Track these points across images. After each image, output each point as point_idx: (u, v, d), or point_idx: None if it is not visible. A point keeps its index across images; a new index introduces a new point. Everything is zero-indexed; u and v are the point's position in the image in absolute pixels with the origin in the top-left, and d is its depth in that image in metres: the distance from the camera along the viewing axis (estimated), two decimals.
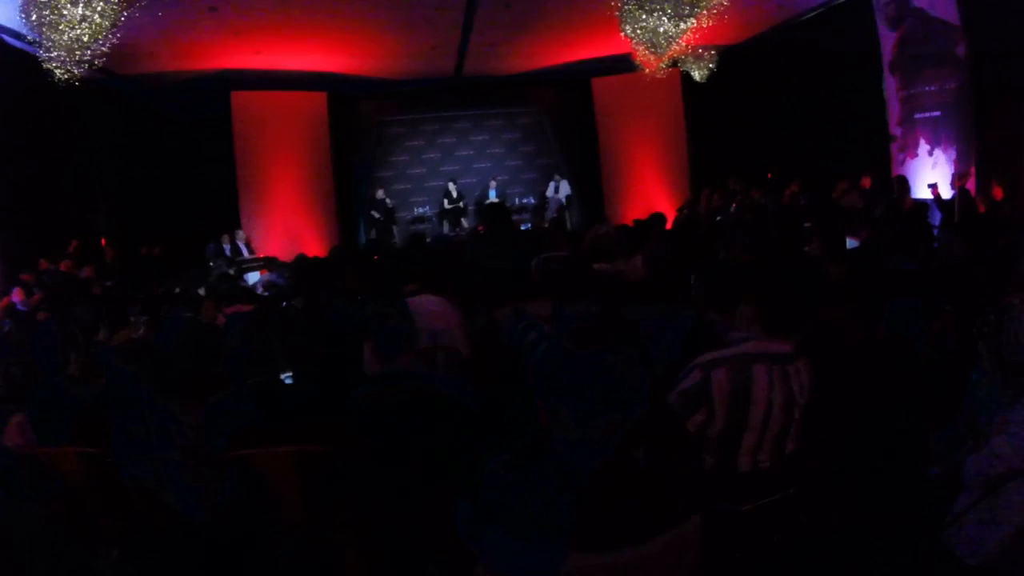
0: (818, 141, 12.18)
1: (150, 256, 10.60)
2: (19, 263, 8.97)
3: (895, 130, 10.99)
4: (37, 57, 7.39)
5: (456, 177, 15.79)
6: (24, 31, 7.59)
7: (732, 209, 10.91)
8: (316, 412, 2.78)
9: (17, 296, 8.05)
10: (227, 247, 12.19)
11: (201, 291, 7.26)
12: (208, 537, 2.22)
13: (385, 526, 2.52)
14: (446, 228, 15.22)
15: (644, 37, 9.16)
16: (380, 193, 15.04)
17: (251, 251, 12.60)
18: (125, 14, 7.23)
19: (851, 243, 5.90)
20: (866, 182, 10.39)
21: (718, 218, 10.63)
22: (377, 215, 14.87)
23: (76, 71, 7.51)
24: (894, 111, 10.97)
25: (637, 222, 9.49)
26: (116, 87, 11.23)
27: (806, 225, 7.23)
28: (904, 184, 9.73)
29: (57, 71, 7.45)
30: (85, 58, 7.39)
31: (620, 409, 1.60)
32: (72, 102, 8.51)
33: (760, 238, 5.94)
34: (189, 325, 4.48)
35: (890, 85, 10.96)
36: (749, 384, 2.48)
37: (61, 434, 2.32)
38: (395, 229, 14.92)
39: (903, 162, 10.81)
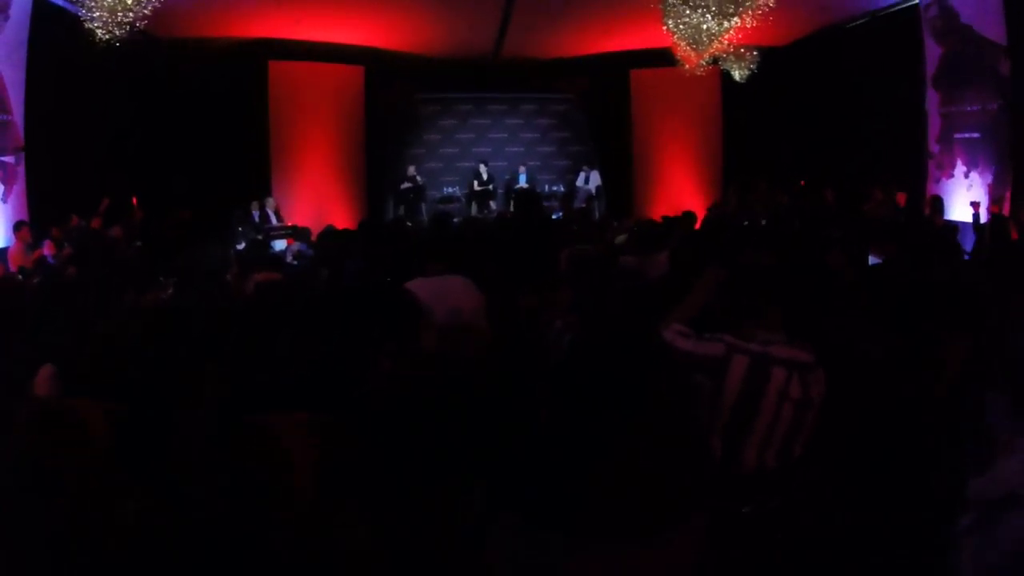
0: (854, 151, 12.01)
1: (179, 219, 10.72)
2: (51, 219, 9.13)
3: (933, 147, 10.81)
4: (79, 17, 7.46)
5: (487, 159, 15.78)
6: None
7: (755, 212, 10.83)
8: (333, 385, 2.81)
9: (48, 249, 8.22)
10: (256, 214, 12.34)
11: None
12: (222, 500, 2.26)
13: (397, 507, 2.55)
14: (474, 209, 15.24)
15: (686, 33, 9.10)
16: (411, 170, 15.09)
17: (280, 219, 12.71)
18: None
19: (873, 260, 5.84)
20: (901, 198, 10.23)
21: (745, 223, 10.57)
22: (408, 190, 14.90)
23: (117, 32, 7.57)
24: (934, 127, 10.78)
25: (665, 219, 9.49)
26: (155, 51, 11.34)
27: (833, 233, 7.16)
28: (939, 205, 9.57)
29: (98, 31, 7.52)
30: (127, 20, 7.45)
31: (621, 408, 1.61)
32: (110, 63, 8.58)
33: (783, 244, 5.90)
34: (216, 291, 4.58)
35: (932, 100, 10.77)
36: (766, 382, 2.50)
37: (88, 387, 2.37)
38: (423, 207, 14.96)
39: (939, 180, 10.65)
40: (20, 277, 6.59)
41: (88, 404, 2.37)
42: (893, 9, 11.37)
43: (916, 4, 10.83)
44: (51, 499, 1.91)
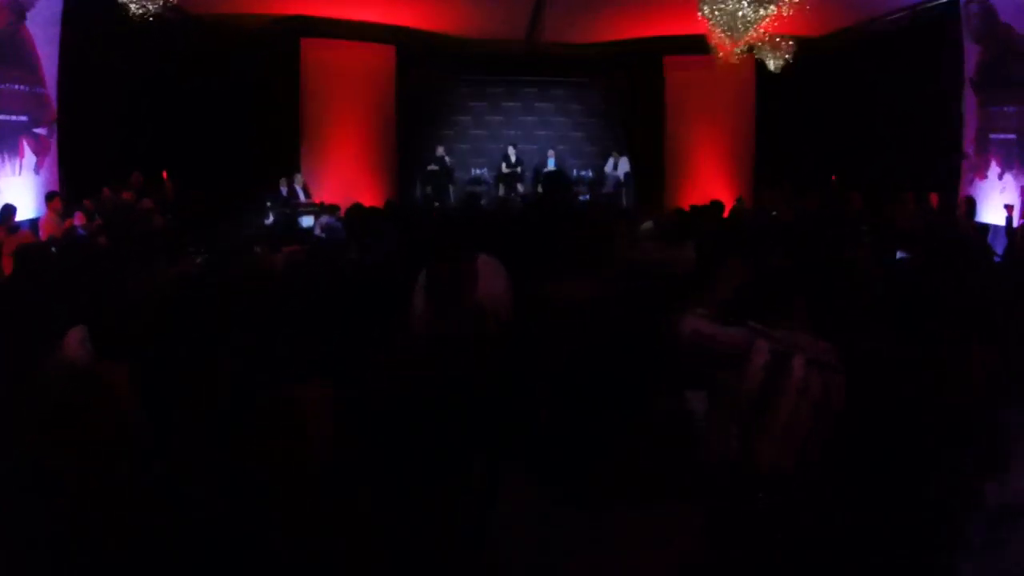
0: (887, 148, 11.81)
1: (209, 193, 10.85)
2: (82, 191, 9.29)
3: (968, 148, 10.59)
4: None
5: (516, 142, 15.73)
6: None
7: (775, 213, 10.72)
8: (356, 357, 2.85)
9: (79, 219, 8.35)
10: (284, 189, 12.43)
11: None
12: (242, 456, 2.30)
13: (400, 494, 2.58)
14: (501, 191, 15.23)
15: (722, 20, 8.96)
16: (440, 150, 15.09)
17: (308, 196, 12.80)
18: None
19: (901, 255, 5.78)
20: (934, 199, 10.05)
21: (773, 212, 10.48)
22: (436, 170, 14.92)
23: (150, 8, 7.63)
24: (970, 128, 10.55)
25: (693, 207, 9.41)
26: (187, 27, 11.43)
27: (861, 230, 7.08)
28: (972, 206, 9.41)
29: (132, 6, 7.58)
30: None
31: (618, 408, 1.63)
32: (143, 38, 8.67)
33: (807, 242, 5.85)
34: (246, 261, 4.64)
35: (969, 101, 10.54)
36: (786, 374, 2.48)
37: (117, 350, 2.44)
38: (451, 189, 14.97)
39: (971, 182, 10.44)
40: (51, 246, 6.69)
41: (115, 366, 2.44)
42: (933, 4, 11.12)
43: (957, 1, 10.59)
44: (75, 458, 1.97)
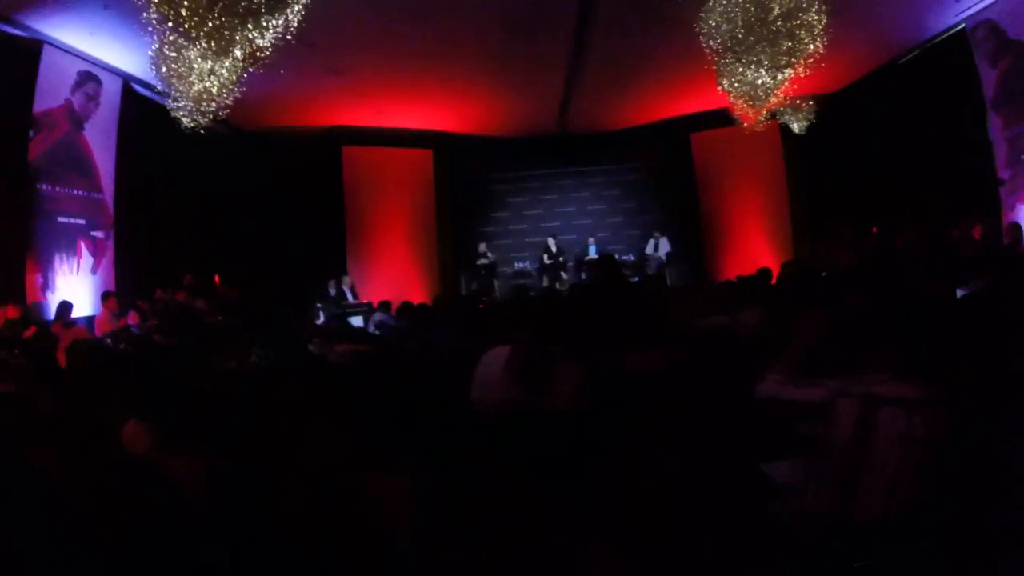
0: (924, 187, 11.61)
1: (260, 295, 11.04)
2: (137, 292, 9.64)
3: (1003, 173, 10.28)
4: (166, 107, 7.86)
5: (556, 233, 15.84)
6: (154, 82, 8.07)
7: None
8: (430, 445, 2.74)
9: (133, 319, 8.58)
10: (332, 290, 12.61)
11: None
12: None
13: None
14: (545, 283, 15.22)
15: (742, 90, 9.05)
16: (483, 247, 15.24)
17: (355, 296, 12.95)
18: (251, 70, 7.61)
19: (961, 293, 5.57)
20: (976, 232, 9.77)
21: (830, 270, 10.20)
22: (480, 265, 15.03)
23: (201, 120, 7.95)
24: (1000, 152, 10.28)
25: (741, 278, 9.27)
26: (236, 137, 11.90)
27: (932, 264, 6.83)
28: (1018, 232, 9.09)
29: (184, 119, 7.91)
30: (210, 109, 7.81)
31: None
32: (194, 148, 9.03)
33: (877, 285, 5.67)
34: (300, 359, 4.59)
35: (995, 125, 10.30)
36: (874, 425, 2.36)
37: (187, 444, 2.35)
38: (496, 283, 15.02)
39: (1013, 207, 10.09)
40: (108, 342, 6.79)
41: (183, 460, 2.34)
42: (941, 37, 11.13)
43: (963, 28, 10.55)
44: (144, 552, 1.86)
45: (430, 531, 2.55)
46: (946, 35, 11.03)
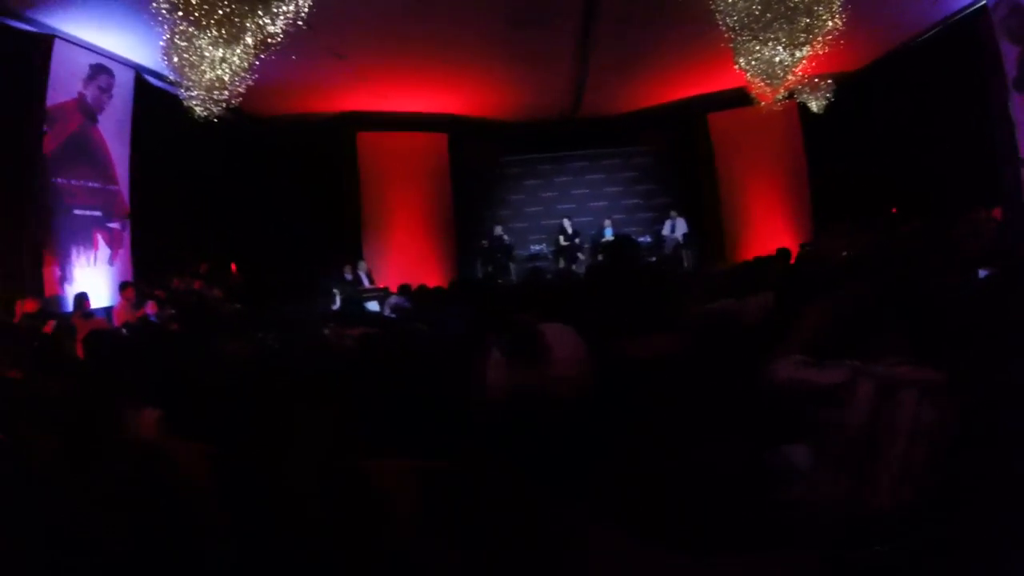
0: (944, 167, 11.43)
1: (275, 281, 11.14)
2: (154, 281, 9.76)
3: None
4: (178, 96, 7.90)
5: (571, 215, 15.78)
6: (166, 72, 8.12)
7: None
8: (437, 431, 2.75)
9: (151, 308, 8.69)
10: (348, 275, 12.70)
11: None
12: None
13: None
14: (561, 264, 15.19)
15: (759, 68, 8.93)
16: (499, 230, 15.22)
17: (371, 281, 13.02)
18: (262, 56, 7.61)
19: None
20: (996, 213, 9.61)
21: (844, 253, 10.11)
22: (495, 249, 15.02)
23: (214, 109, 7.97)
24: (1022, 132, 10.06)
25: (758, 259, 9.19)
26: (249, 125, 11.95)
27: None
28: None
29: (197, 108, 7.93)
30: (223, 98, 7.83)
31: None
32: (208, 137, 9.07)
33: (894, 272, 5.60)
34: (314, 344, 4.61)
35: (1017, 104, 10.06)
36: (896, 407, 2.33)
37: (191, 430, 2.37)
38: (512, 266, 15.01)
39: None
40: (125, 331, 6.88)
41: (188, 445, 2.37)
42: (962, 15, 10.90)
43: (984, 5, 10.32)
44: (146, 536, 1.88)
45: (433, 518, 2.56)
46: (967, 12, 10.80)
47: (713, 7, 8.16)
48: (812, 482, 2.59)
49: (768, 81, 9.15)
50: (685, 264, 14.24)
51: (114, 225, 9.97)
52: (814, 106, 11.52)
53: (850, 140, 13.25)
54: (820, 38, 8.16)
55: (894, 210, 12.04)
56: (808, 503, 2.55)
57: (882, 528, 2.31)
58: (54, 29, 8.68)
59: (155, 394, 2.70)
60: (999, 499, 2.56)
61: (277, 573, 2.12)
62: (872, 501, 2.35)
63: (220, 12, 6.57)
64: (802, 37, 8.07)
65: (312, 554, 2.15)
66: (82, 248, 9.38)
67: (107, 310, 9.19)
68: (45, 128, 8.75)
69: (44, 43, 8.65)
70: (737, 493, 2.18)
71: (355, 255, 13.50)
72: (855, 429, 2.36)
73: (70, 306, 8.57)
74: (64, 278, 9.03)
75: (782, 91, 9.86)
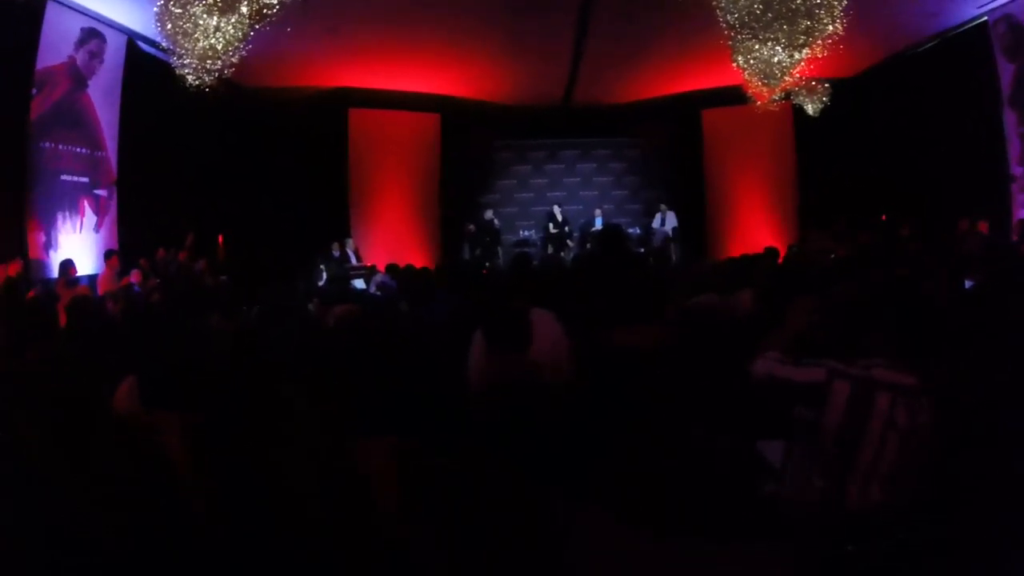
0: (935, 179, 11.57)
1: (262, 255, 11.10)
2: (139, 250, 9.62)
3: (1015, 169, 10.24)
4: (170, 64, 7.78)
5: (561, 203, 15.77)
6: (158, 39, 7.99)
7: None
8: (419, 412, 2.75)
9: (135, 278, 8.62)
10: (336, 253, 12.68)
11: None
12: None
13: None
14: (550, 251, 15.18)
15: (757, 68, 8.93)
16: (489, 214, 15.20)
17: (359, 259, 13.01)
18: (256, 27, 7.51)
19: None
20: (983, 226, 9.73)
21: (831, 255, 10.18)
22: (484, 233, 14.99)
23: (206, 79, 7.87)
24: (1014, 149, 10.23)
25: (745, 256, 9.24)
26: (241, 97, 11.84)
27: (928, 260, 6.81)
28: None
29: (189, 77, 7.82)
30: (215, 67, 7.73)
31: None
32: (198, 107, 8.98)
33: (875, 275, 5.64)
34: (297, 320, 4.61)
35: (1009, 120, 10.24)
36: (870, 408, 2.36)
37: (168, 401, 2.37)
38: (500, 250, 15.00)
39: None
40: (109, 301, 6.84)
41: (165, 415, 2.37)
42: (962, 29, 11.00)
43: (985, 22, 10.43)
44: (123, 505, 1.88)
45: (414, 498, 2.57)
46: (967, 27, 10.88)
47: (715, 3, 8.15)
48: (785, 479, 2.63)
49: (765, 81, 9.16)
50: (673, 258, 14.27)
51: (101, 192, 9.88)
52: (810, 109, 11.57)
53: (841, 145, 13.34)
54: (820, 41, 8.17)
55: (883, 217, 12.12)
56: (782, 500, 2.58)
57: (859, 527, 2.35)
58: None
59: (134, 364, 2.69)
60: (979, 502, 2.60)
61: (260, 548, 2.12)
62: (842, 501, 2.39)
63: None
64: (802, 39, 8.09)
65: (293, 530, 2.15)
66: (68, 214, 9.30)
67: (91, 278, 9.11)
68: (33, 91, 8.61)
69: (36, 4, 8.50)
70: (717, 483, 2.20)
71: (343, 232, 13.48)
72: (830, 429, 2.40)
73: (54, 272, 8.50)
74: (49, 244, 8.95)
75: (778, 92, 9.88)
